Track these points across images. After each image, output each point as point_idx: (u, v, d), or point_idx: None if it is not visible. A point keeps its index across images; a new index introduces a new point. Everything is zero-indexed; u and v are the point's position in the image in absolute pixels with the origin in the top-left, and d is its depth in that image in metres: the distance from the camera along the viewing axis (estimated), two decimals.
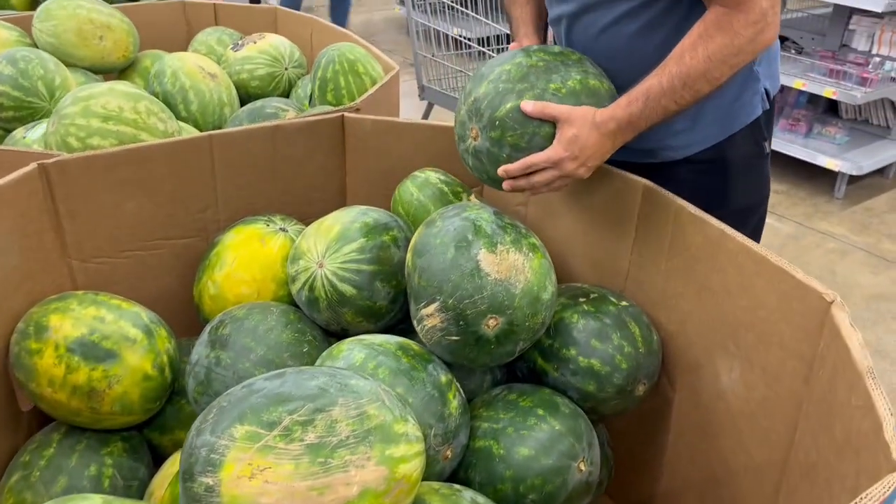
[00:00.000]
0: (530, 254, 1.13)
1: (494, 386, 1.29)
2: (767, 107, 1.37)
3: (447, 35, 3.21)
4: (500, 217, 1.17)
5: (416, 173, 1.47)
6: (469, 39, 3.17)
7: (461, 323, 1.08)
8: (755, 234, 1.45)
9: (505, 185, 1.19)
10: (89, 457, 1.21)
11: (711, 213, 1.19)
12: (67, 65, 2.07)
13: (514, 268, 1.09)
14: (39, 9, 2.06)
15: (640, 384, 1.22)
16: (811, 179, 3.83)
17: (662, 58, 1.14)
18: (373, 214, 1.28)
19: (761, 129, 1.37)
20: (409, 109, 4.01)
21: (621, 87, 1.21)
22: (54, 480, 1.17)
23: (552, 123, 1.15)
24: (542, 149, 1.16)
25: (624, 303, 1.27)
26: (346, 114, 1.56)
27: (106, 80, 2.25)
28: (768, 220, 1.54)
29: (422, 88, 3.27)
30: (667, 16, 1.22)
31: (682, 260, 1.24)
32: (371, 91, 1.71)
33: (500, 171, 1.17)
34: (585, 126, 1.14)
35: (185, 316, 1.48)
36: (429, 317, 1.10)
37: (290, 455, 0.79)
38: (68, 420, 1.25)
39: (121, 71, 2.23)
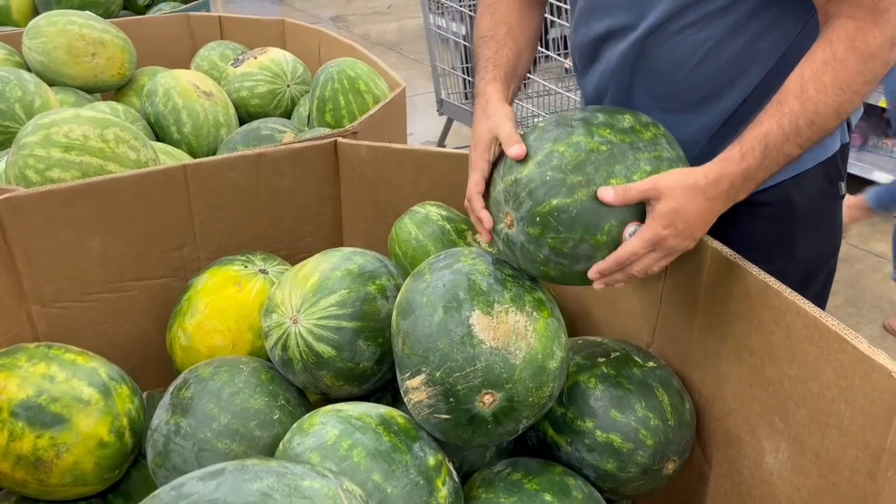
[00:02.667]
0: (534, 313, 0.95)
1: (499, 457, 1.12)
2: (847, 139, 1.16)
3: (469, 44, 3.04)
4: (499, 267, 0.99)
5: (416, 208, 1.30)
6: None
7: (451, 400, 0.90)
8: (824, 290, 1.24)
9: (596, 285, 0.96)
10: None
11: (773, 266, 1.00)
12: (58, 84, 1.95)
13: (513, 332, 0.91)
14: (29, 25, 1.94)
15: (670, 462, 1.04)
16: None
17: (738, 70, 0.96)
18: (358, 260, 1.11)
19: (837, 166, 1.16)
20: (430, 124, 3.85)
21: (687, 107, 1.02)
22: None
23: (606, 230, 0.93)
24: (589, 258, 0.95)
25: (650, 364, 1.08)
26: (339, 139, 1.40)
27: (104, 99, 2.14)
28: None
29: (440, 102, 3.10)
30: (752, 19, 1.02)
31: (718, 314, 1.05)
32: (371, 112, 1.55)
33: (592, 273, 0.94)
34: (686, 194, 0.91)
35: (165, 363, 1.33)
36: (414, 390, 0.93)
37: None
38: (15, 491, 1.11)
39: (117, 90, 2.11)
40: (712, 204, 0.93)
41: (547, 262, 0.96)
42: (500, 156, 1.01)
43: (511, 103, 1.11)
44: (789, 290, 0.93)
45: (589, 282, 0.99)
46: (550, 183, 0.93)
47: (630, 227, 0.93)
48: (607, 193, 0.92)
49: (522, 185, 0.95)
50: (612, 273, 0.94)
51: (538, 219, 0.93)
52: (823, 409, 0.89)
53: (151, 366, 1.39)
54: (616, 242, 0.94)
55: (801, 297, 0.91)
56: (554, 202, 0.92)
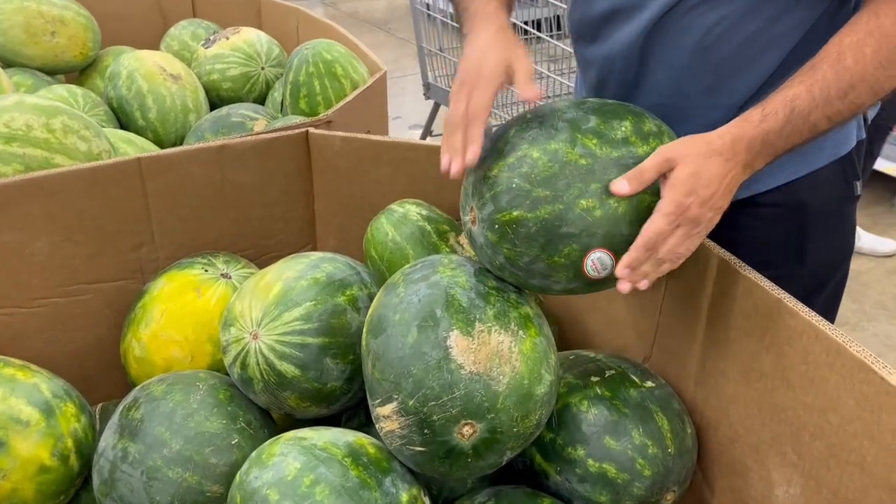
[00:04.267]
0: (520, 332, 0.84)
1: (481, 483, 1.02)
2: (863, 136, 1.06)
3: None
4: (482, 279, 0.89)
5: (394, 206, 1.19)
6: None
7: (426, 431, 0.80)
8: (835, 299, 1.14)
9: (623, 287, 0.83)
10: None
11: (780, 272, 0.90)
12: (17, 65, 1.83)
13: (496, 355, 0.81)
14: None
15: (669, 492, 0.94)
16: (869, 185, 3.41)
17: (751, 56, 0.88)
18: (326, 267, 1.00)
19: (853, 164, 1.06)
20: (419, 107, 3.72)
21: (695, 97, 0.92)
22: None
23: (566, 253, 0.83)
24: (544, 276, 0.85)
25: (648, 383, 0.98)
26: (311, 129, 1.28)
27: (67, 81, 2.01)
28: None
29: (427, 86, 2.96)
30: (767, 1, 0.92)
31: (723, 330, 0.95)
32: (347, 99, 1.44)
33: (619, 271, 0.82)
34: (702, 158, 0.82)
35: (122, 372, 1.23)
36: (385, 419, 0.83)
37: None
38: None
39: (81, 71, 1.98)
40: (731, 167, 0.82)
41: (502, 270, 0.88)
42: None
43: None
44: (806, 308, 0.83)
45: (557, 293, 0.90)
46: (515, 191, 0.82)
47: (594, 254, 0.83)
48: (621, 187, 0.81)
49: (489, 185, 0.85)
50: (640, 265, 0.82)
51: (497, 226, 0.84)
52: (844, 444, 0.79)
53: (108, 375, 1.28)
54: (576, 267, 0.83)
55: (821, 318, 0.81)
56: (514, 213, 0.82)
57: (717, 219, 0.84)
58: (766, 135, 0.82)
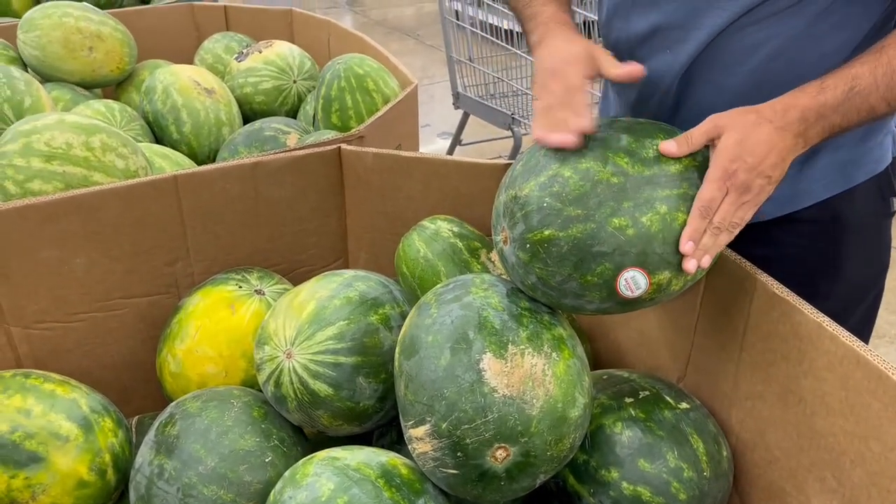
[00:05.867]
0: (553, 354, 0.84)
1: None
2: None
3: (496, 28, 2.86)
4: (515, 299, 0.88)
5: (425, 223, 1.19)
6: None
7: (459, 454, 0.80)
8: (870, 314, 1.13)
9: (688, 264, 0.82)
10: None
11: (816, 290, 0.89)
12: (55, 80, 1.86)
13: (529, 378, 0.81)
14: (24, 17, 1.85)
15: None
16: None
17: (797, 78, 0.86)
18: (359, 286, 1.01)
19: (890, 180, 1.05)
20: (448, 115, 3.72)
21: None
22: None
23: (598, 272, 0.82)
24: (577, 296, 0.85)
25: (683, 405, 0.97)
26: (343, 146, 1.29)
27: (105, 95, 2.04)
28: None
29: (456, 96, 2.96)
30: (818, 20, 0.91)
31: (762, 352, 0.93)
32: (379, 113, 1.44)
33: (683, 246, 0.81)
34: (750, 124, 0.82)
35: (158, 385, 1.24)
36: (418, 440, 0.83)
37: None
38: None
39: (117, 85, 2.01)
40: (782, 136, 0.81)
41: (535, 290, 0.88)
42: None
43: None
44: (847, 333, 0.81)
45: (590, 313, 0.89)
46: (546, 210, 0.82)
47: (627, 273, 0.82)
48: (669, 147, 0.83)
49: (520, 204, 0.85)
50: (700, 235, 0.82)
51: (528, 245, 0.84)
52: (886, 473, 0.78)
53: (143, 388, 1.30)
54: (609, 286, 0.83)
55: (862, 344, 0.80)
56: (546, 233, 0.82)
57: (769, 188, 0.83)
58: (821, 107, 0.81)
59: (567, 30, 0.95)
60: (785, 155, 0.82)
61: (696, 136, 0.83)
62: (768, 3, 0.90)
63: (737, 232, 0.84)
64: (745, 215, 0.83)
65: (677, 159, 0.85)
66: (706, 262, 0.83)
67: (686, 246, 0.81)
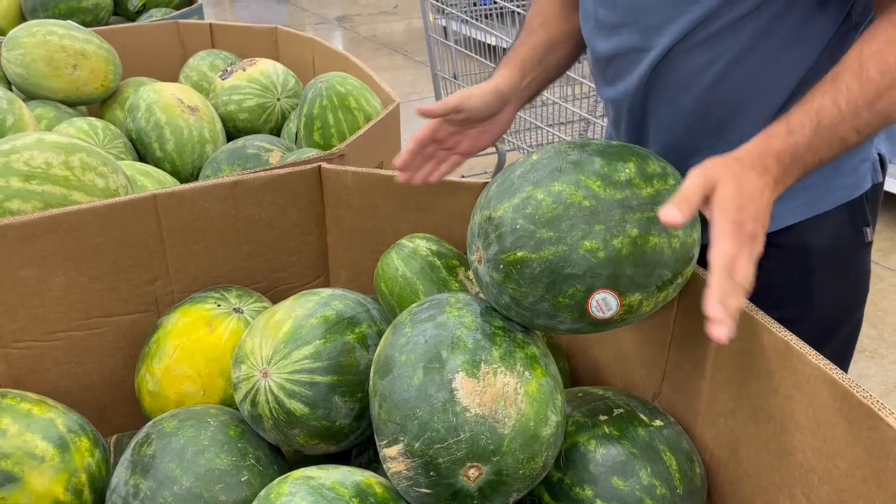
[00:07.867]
0: (526, 373, 0.85)
1: None
2: (880, 179, 1.04)
3: (480, 43, 2.88)
4: (489, 318, 0.89)
5: (404, 241, 1.20)
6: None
7: (432, 473, 0.81)
8: (846, 349, 1.12)
9: (720, 334, 0.71)
10: None
11: (790, 315, 0.90)
12: (39, 97, 1.87)
13: (501, 397, 0.81)
14: (8, 35, 1.86)
15: None
16: (890, 209, 3.38)
17: (753, 93, 0.87)
18: (336, 305, 1.01)
19: (864, 209, 1.04)
20: None
21: (699, 138, 0.94)
22: None
23: (570, 294, 0.83)
24: (549, 316, 0.85)
25: (657, 422, 0.98)
26: (323, 164, 1.30)
27: (90, 113, 2.05)
28: None
29: None
30: (767, 35, 0.91)
31: (733, 370, 0.94)
32: (360, 132, 1.45)
33: (712, 310, 0.72)
34: (738, 174, 0.78)
35: (137, 403, 1.24)
36: (392, 459, 0.83)
37: None
38: None
39: (102, 102, 2.02)
40: (766, 182, 0.79)
41: (508, 309, 0.89)
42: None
43: (531, 88, 1.11)
44: (814, 352, 0.83)
45: (563, 332, 0.91)
46: (519, 232, 0.84)
47: (598, 295, 0.83)
48: (673, 216, 0.73)
49: (494, 225, 0.86)
50: (728, 296, 0.72)
51: (502, 266, 0.85)
52: (852, 489, 0.79)
53: (124, 406, 1.30)
54: (580, 307, 0.84)
55: (829, 363, 0.81)
56: (519, 254, 0.84)
57: (763, 238, 0.79)
58: (794, 148, 0.80)
59: (491, 81, 1.09)
60: (769, 202, 0.80)
61: (691, 195, 0.76)
62: (702, 27, 0.91)
63: (749, 288, 0.76)
64: (754, 268, 0.77)
65: (649, 182, 0.87)
66: (734, 328, 0.72)
67: (716, 311, 0.71)
